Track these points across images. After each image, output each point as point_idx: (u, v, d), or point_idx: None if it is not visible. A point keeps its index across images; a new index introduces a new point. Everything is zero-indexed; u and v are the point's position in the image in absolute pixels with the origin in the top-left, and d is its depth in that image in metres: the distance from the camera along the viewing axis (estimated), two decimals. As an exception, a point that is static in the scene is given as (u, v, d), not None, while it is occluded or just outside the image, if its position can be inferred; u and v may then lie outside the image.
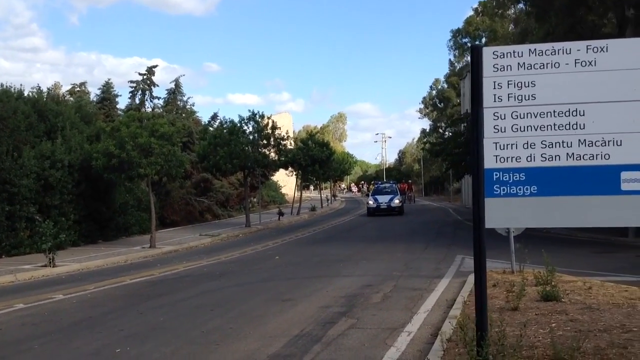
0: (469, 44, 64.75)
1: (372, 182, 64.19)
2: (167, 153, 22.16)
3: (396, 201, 39.34)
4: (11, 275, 15.74)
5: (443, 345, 6.73)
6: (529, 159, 5.39)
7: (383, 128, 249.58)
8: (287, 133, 36.46)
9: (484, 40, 57.14)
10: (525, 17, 34.32)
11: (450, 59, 71.80)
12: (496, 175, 5.42)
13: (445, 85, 78.29)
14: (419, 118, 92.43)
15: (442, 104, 79.84)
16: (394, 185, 44.60)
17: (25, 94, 25.76)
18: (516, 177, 5.40)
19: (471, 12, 61.98)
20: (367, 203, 41.08)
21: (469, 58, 66.81)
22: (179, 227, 31.73)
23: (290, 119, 69.24)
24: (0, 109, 20.62)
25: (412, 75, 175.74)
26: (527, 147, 5.39)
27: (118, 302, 11.65)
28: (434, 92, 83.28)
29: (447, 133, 42.66)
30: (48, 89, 29.14)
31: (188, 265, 17.45)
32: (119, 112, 40.80)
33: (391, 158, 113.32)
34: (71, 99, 37.45)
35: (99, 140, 22.79)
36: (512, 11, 43.28)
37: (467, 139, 31.08)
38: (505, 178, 5.41)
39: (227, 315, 9.87)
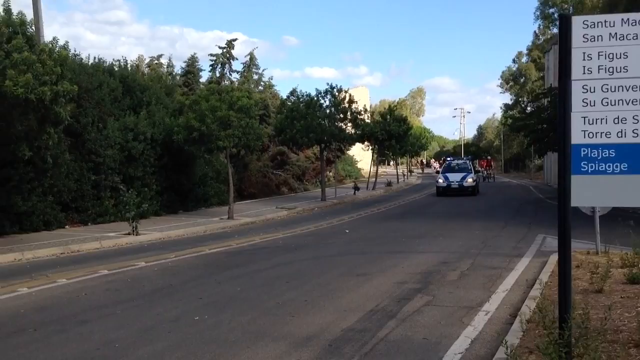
0: (556, 15, 62.23)
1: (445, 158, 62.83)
2: (245, 126, 22.45)
3: (469, 180, 35.32)
4: (97, 242, 16.41)
5: (522, 327, 6.55)
6: (619, 134, 5.08)
7: (462, 103, 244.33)
8: (364, 107, 36.18)
9: (571, 11, 54.70)
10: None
11: (535, 31, 69.35)
12: (584, 151, 5.12)
13: (529, 58, 75.63)
14: (500, 93, 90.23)
15: (522, 79, 77.33)
16: (467, 161, 40.21)
17: (113, 68, 26.52)
18: (605, 154, 5.10)
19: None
20: (437, 181, 37.02)
21: (555, 30, 64.22)
22: (256, 200, 32.24)
23: (367, 93, 68.50)
24: (86, 81, 21.31)
25: (493, 48, 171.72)
26: (618, 122, 5.08)
27: (197, 271, 11.96)
28: (514, 66, 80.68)
29: (529, 108, 41.27)
30: (126, 60, 29.64)
31: (264, 237, 17.69)
32: (201, 85, 41.71)
33: (470, 134, 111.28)
34: (148, 71, 38.37)
35: (181, 114, 23.34)
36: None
37: (551, 115, 29.97)
38: (594, 154, 5.11)
39: (302, 287, 9.95)
